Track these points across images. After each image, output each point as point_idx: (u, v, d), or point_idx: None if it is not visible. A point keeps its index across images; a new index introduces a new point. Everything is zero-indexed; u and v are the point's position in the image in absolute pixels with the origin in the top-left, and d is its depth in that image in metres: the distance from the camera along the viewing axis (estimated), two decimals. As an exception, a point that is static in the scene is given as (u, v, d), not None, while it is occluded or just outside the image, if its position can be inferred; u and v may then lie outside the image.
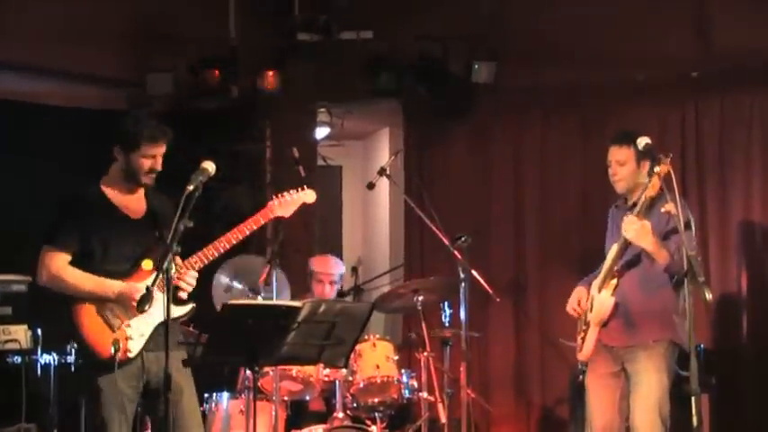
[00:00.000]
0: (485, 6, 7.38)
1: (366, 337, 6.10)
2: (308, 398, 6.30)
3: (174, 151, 4.71)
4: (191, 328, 5.55)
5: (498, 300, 6.61)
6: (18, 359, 5.95)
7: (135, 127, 4.64)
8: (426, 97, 7.54)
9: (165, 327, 4.25)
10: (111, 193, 4.70)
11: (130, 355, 4.54)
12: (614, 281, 5.22)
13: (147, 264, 4.61)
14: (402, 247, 8.04)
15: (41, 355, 6.00)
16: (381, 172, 6.66)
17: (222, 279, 6.09)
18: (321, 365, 5.80)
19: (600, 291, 5.26)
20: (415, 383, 6.17)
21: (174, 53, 7.34)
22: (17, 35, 6.92)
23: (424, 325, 6.20)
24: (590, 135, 7.37)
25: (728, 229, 6.99)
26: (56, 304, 4.63)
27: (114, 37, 7.31)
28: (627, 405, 5.23)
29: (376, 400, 6.08)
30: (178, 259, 4.58)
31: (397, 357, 6.18)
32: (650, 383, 5.14)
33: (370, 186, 6.82)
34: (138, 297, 4.32)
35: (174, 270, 4.40)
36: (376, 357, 6.09)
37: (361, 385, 6.04)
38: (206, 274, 5.08)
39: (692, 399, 4.41)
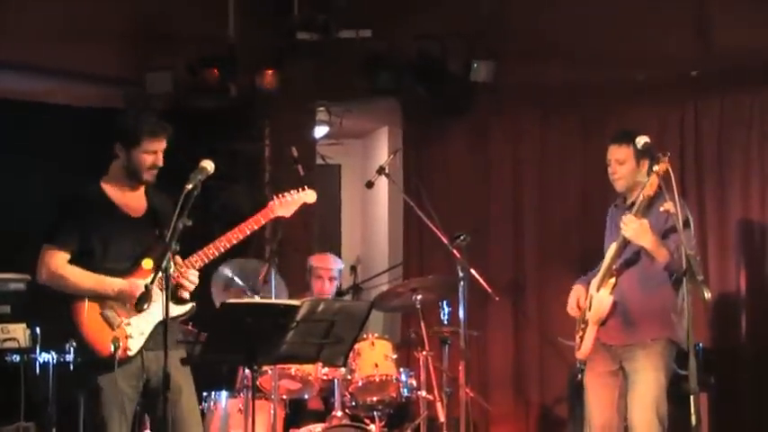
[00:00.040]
0: (484, 5, 7.37)
1: (365, 336, 6.10)
2: (306, 396, 6.30)
3: (173, 150, 4.71)
4: (190, 327, 5.55)
5: (497, 299, 6.60)
6: (17, 358, 5.93)
7: (135, 123, 4.65)
8: (425, 96, 7.53)
9: (163, 326, 4.25)
10: (112, 192, 4.70)
11: (130, 353, 4.54)
12: (613, 279, 5.22)
13: (148, 263, 4.61)
14: (401, 245, 8.03)
15: (40, 353, 5.98)
16: (380, 171, 6.65)
17: (225, 272, 6.06)
18: (320, 364, 5.79)
19: (598, 289, 5.26)
20: (414, 382, 6.17)
21: (174, 52, 7.34)
22: (17, 35, 6.91)
23: (422, 324, 6.21)
24: (590, 135, 7.36)
25: (727, 229, 7.00)
26: (55, 303, 4.63)
27: (114, 36, 7.30)
28: (625, 404, 5.23)
29: (375, 398, 6.09)
30: (177, 258, 4.58)
31: (395, 356, 6.18)
32: (648, 382, 5.14)
33: (369, 185, 6.81)
34: (138, 294, 4.33)
35: (172, 269, 4.40)
36: (375, 356, 6.09)
37: (360, 384, 6.04)
38: (206, 274, 5.08)
39: (691, 397, 4.43)
